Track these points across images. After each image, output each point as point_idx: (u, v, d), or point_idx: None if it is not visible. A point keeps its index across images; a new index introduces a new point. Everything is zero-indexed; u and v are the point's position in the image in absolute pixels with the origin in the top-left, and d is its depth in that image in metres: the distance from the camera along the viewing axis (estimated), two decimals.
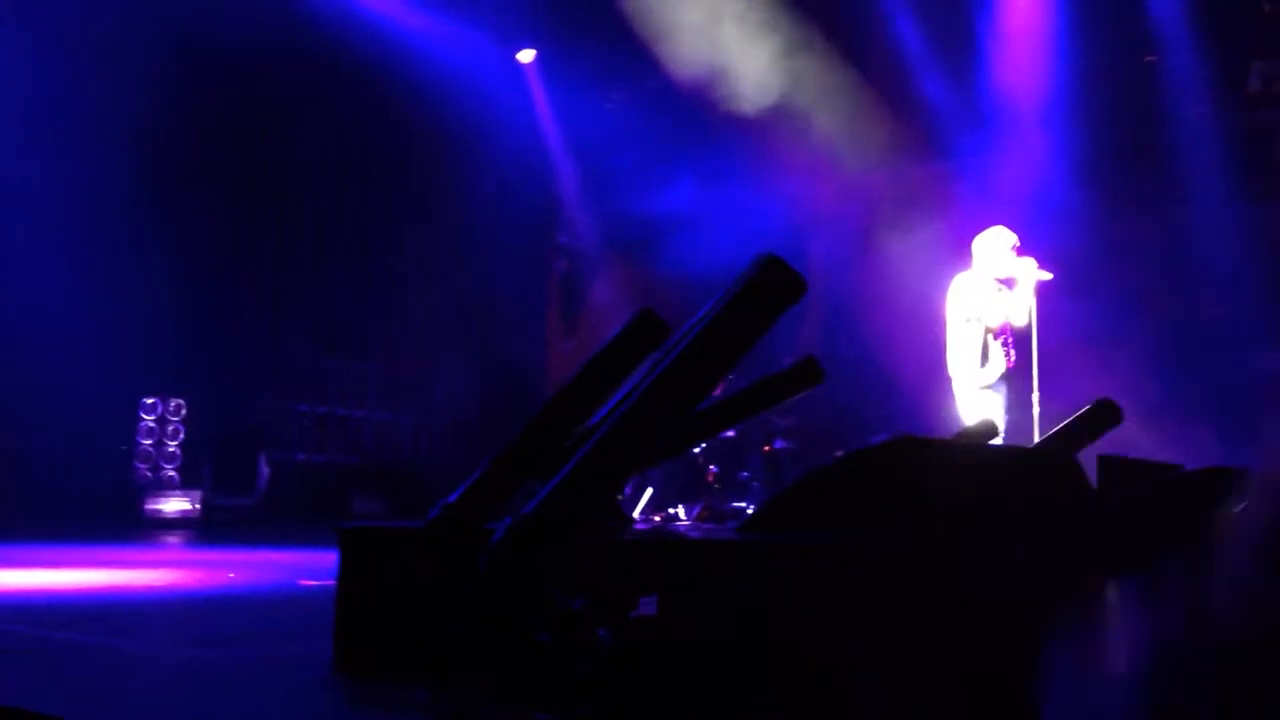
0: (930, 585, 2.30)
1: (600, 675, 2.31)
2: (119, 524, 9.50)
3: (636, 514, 9.40)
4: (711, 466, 10.13)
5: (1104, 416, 3.64)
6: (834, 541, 2.40)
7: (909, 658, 2.31)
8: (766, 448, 10.45)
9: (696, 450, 9.99)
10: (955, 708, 2.28)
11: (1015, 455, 3.56)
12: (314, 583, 4.97)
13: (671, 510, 9.89)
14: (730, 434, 10.17)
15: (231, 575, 5.65)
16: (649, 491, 9.82)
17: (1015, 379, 7.20)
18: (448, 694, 2.37)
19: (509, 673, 2.35)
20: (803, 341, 10.83)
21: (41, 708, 2.24)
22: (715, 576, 2.38)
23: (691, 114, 11.31)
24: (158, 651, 3.34)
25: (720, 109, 10.90)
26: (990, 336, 7.18)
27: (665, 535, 2.91)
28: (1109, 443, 3.84)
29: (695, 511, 9.70)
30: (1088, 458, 3.62)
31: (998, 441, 5.12)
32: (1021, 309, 7.15)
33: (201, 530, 9.82)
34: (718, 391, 6.77)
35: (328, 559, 3.08)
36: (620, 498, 9.76)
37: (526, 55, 12.73)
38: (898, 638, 2.30)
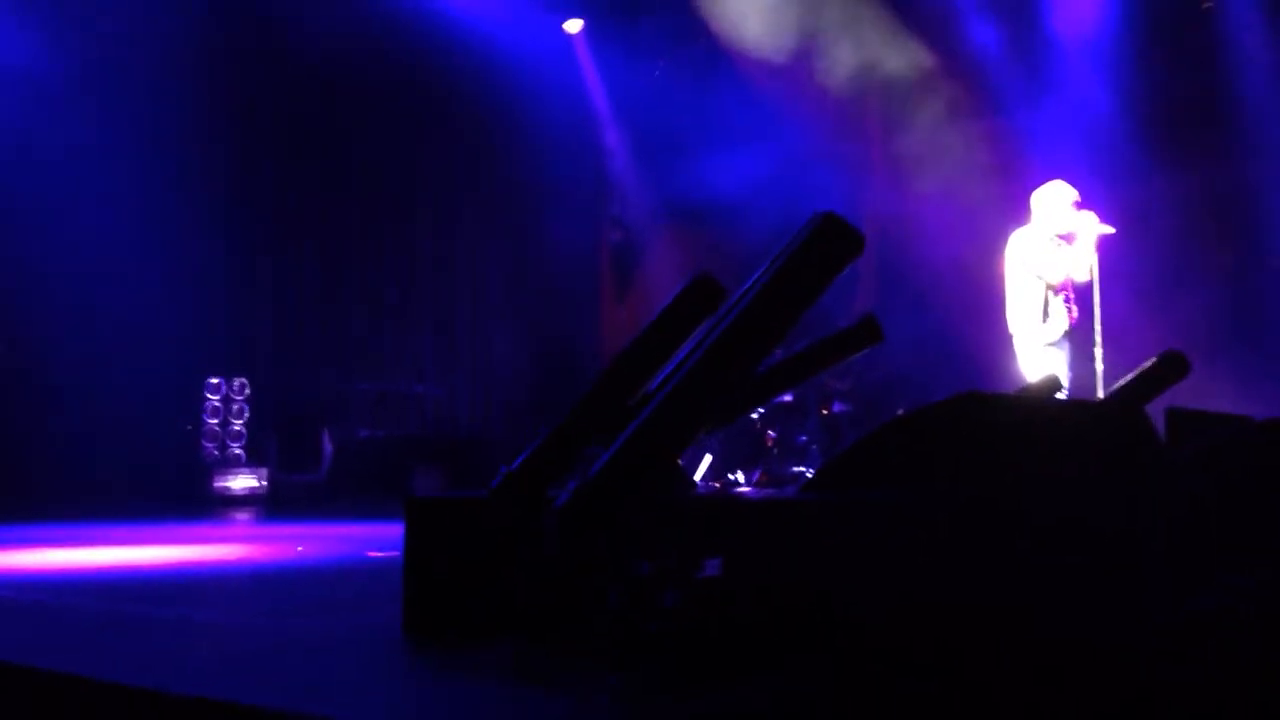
0: (994, 541, 2.28)
1: (668, 637, 2.32)
2: (188, 502, 9.71)
3: (697, 479, 9.40)
4: (770, 431, 10.10)
5: (1171, 368, 3.57)
6: (898, 499, 2.38)
7: (973, 615, 2.29)
8: (824, 411, 10.39)
9: (754, 416, 9.97)
10: (1015, 664, 2.26)
11: (1081, 409, 3.51)
12: (381, 554, 5.04)
13: (730, 476, 9.88)
14: (788, 398, 10.12)
15: (300, 548, 5.75)
16: (708, 458, 9.82)
17: (1078, 335, 7.10)
18: (518, 657, 2.39)
19: (577, 636, 2.37)
20: (859, 304, 10.74)
21: (118, 677, 2.29)
22: (780, 537, 2.38)
23: (742, 79, 11.22)
24: (231, 621, 3.40)
25: (771, 73, 10.80)
26: (1052, 293, 7.08)
27: (730, 497, 2.90)
28: (1178, 396, 3.77)
29: (754, 477, 9.69)
30: (1156, 411, 3.57)
31: (1062, 397, 5.06)
32: (1083, 264, 7.04)
33: (269, 507, 10.00)
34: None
35: (393, 531, 3.12)
36: (689, 475, 9.79)
37: (574, 25, 12.68)
38: (962, 594, 2.28)
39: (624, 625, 2.29)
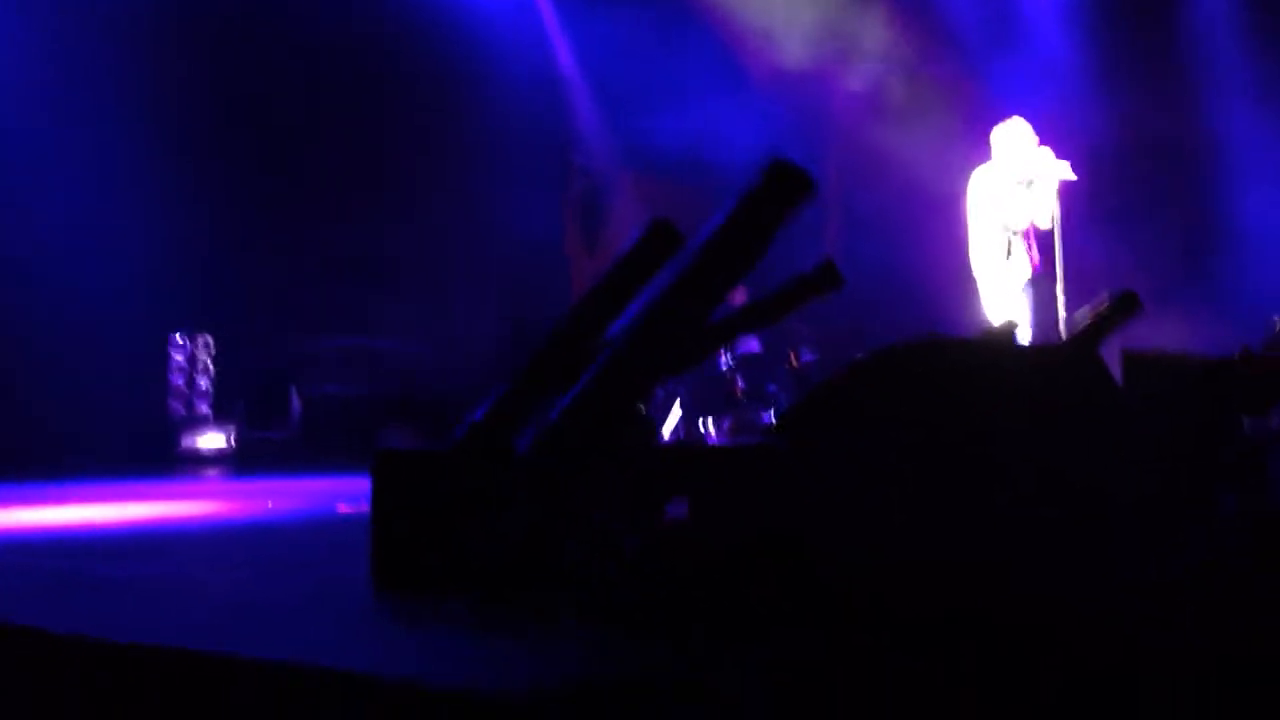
0: (949, 483, 2.32)
1: (630, 583, 2.36)
2: (155, 460, 9.67)
3: (666, 430, 9.46)
4: (739, 381, 10.15)
5: (1125, 308, 3.61)
6: (855, 443, 2.42)
7: (932, 555, 2.34)
8: (793, 360, 10.44)
9: (724, 365, 10.01)
10: (975, 604, 2.32)
11: (1037, 353, 3.55)
12: (350, 508, 5.06)
13: (700, 426, 9.94)
14: (756, 347, 10.17)
15: (270, 504, 5.76)
16: (677, 408, 9.87)
17: (1041, 281, 7.15)
18: (483, 605, 2.43)
19: (541, 584, 2.41)
20: (827, 249, 10.77)
21: (92, 632, 2.31)
22: (739, 481, 2.42)
23: (704, 25, 11.16)
24: (203, 576, 3.42)
25: (731, 19, 10.74)
26: (1014, 236, 7.12)
27: (690, 444, 2.94)
28: (1138, 334, 3.82)
29: (724, 426, 9.75)
30: (1113, 350, 3.62)
31: (1021, 341, 5.13)
32: (1044, 208, 7.07)
33: (237, 464, 9.98)
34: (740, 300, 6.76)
35: (362, 486, 3.14)
36: (647, 412, 9.83)
37: None
38: (920, 535, 2.33)
39: (586, 572, 2.33)
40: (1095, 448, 2.61)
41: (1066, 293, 7.00)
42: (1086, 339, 3.47)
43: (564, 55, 12.89)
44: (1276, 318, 3.46)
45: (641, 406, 3.74)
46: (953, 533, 2.29)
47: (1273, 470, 2.85)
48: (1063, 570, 2.27)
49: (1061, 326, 6.89)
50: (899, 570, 2.32)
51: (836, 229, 11.98)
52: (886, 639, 2.12)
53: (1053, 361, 3.12)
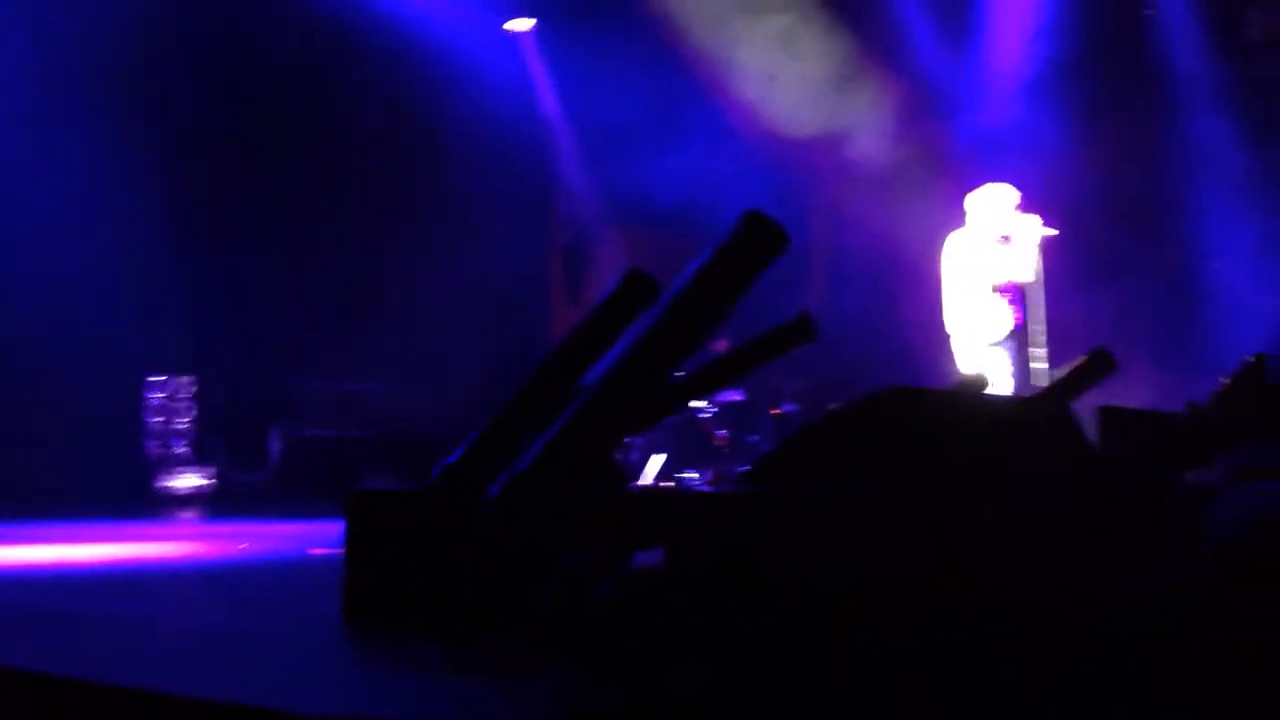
0: (919, 529, 2.34)
1: (602, 627, 2.37)
2: (131, 501, 9.59)
3: (647, 478, 9.46)
4: (720, 431, 10.18)
5: (1099, 365, 3.67)
6: (827, 488, 2.44)
7: (902, 597, 2.36)
8: (774, 411, 10.49)
9: (706, 415, 10.05)
10: (941, 642, 2.33)
11: (1009, 405, 3.59)
12: (324, 550, 5.03)
13: (681, 476, 9.95)
14: (738, 398, 10.22)
15: (244, 546, 5.73)
16: (660, 458, 9.88)
17: (1021, 335, 7.22)
18: (453, 647, 2.43)
19: (514, 626, 2.41)
20: (810, 303, 10.85)
21: (61, 670, 2.30)
22: (710, 528, 2.43)
23: (692, 79, 11.30)
24: (172, 617, 3.40)
25: (718, 73, 10.89)
26: (995, 294, 7.20)
27: (662, 490, 2.96)
28: (1120, 397, 3.87)
29: (706, 477, 9.76)
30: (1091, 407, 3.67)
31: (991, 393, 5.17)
32: (1026, 265, 7.15)
33: (215, 506, 9.91)
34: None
35: (338, 529, 3.14)
36: (629, 463, 9.83)
37: (523, 24, 12.69)
38: (890, 578, 2.35)
39: (558, 615, 2.33)
40: (1063, 498, 2.63)
41: (1049, 347, 7.06)
42: (1059, 393, 3.52)
43: (550, 104, 13.02)
44: (1222, 378, 3.53)
45: (616, 455, 3.75)
46: (921, 576, 2.30)
47: (1212, 521, 2.89)
48: (1026, 612, 2.29)
49: (1045, 381, 6.95)
50: (871, 612, 2.34)
51: (820, 284, 12.09)
52: (858, 677, 2.13)
53: (1024, 413, 3.16)
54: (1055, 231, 7.16)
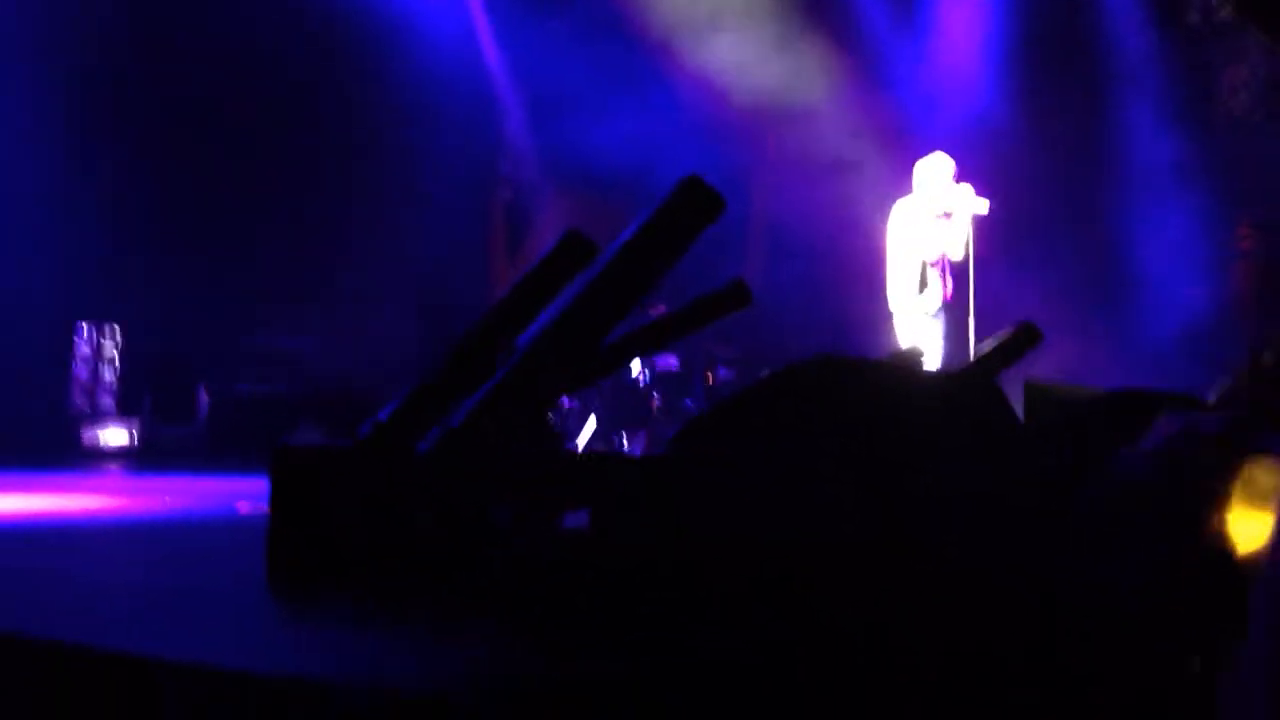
0: (841, 496, 2.38)
1: (524, 583, 2.38)
2: (55, 454, 9.42)
3: (581, 443, 9.48)
4: (655, 396, 10.22)
5: (1025, 339, 3.74)
6: (756, 455, 2.47)
7: (823, 565, 2.39)
8: (709, 377, 10.55)
9: (640, 381, 10.07)
10: (862, 610, 2.37)
11: (936, 378, 3.65)
12: (251, 507, 4.99)
13: (615, 440, 9.98)
14: (673, 364, 10.25)
15: (168, 499, 5.66)
16: (592, 422, 9.90)
17: (953, 309, 7.33)
18: (379, 604, 2.43)
19: (438, 582, 2.41)
20: (749, 271, 10.89)
21: None
22: (637, 490, 2.45)
23: (635, 43, 11.24)
24: (92, 571, 3.35)
25: (665, 38, 10.84)
26: (928, 266, 7.29)
27: (592, 452, 2.97)
28: (1047, 370, 3.95)
29: (639, 441, 9.80)
30: (1017, 380, 3.74)
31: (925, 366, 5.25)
32: (958, 240, 7.26)
33: (140, 460, 9.76)
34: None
35: (266, 486, 3.11)
36: (564, 427, 9.84)
37: None
38: (812, 546, 2.38)
39: (485, 574, 2.34)
40: (985, 470, 2.68)
41: (976, 322, 7.17)
42: (985, 366, 3.58)
43: (494, 64, 12.88)
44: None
45: (549, 417, 3.75)
46: (842, 545, 2.34)
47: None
48: (945, 585, 2.33)
49: (971, 354, 7.06)
50: (791, 578, 2.37)
51: (760, 253, 12.13)
52: (779, 643, 2.16)
53: (950, 386, 3.21)
54: (986, 208, 7.25)
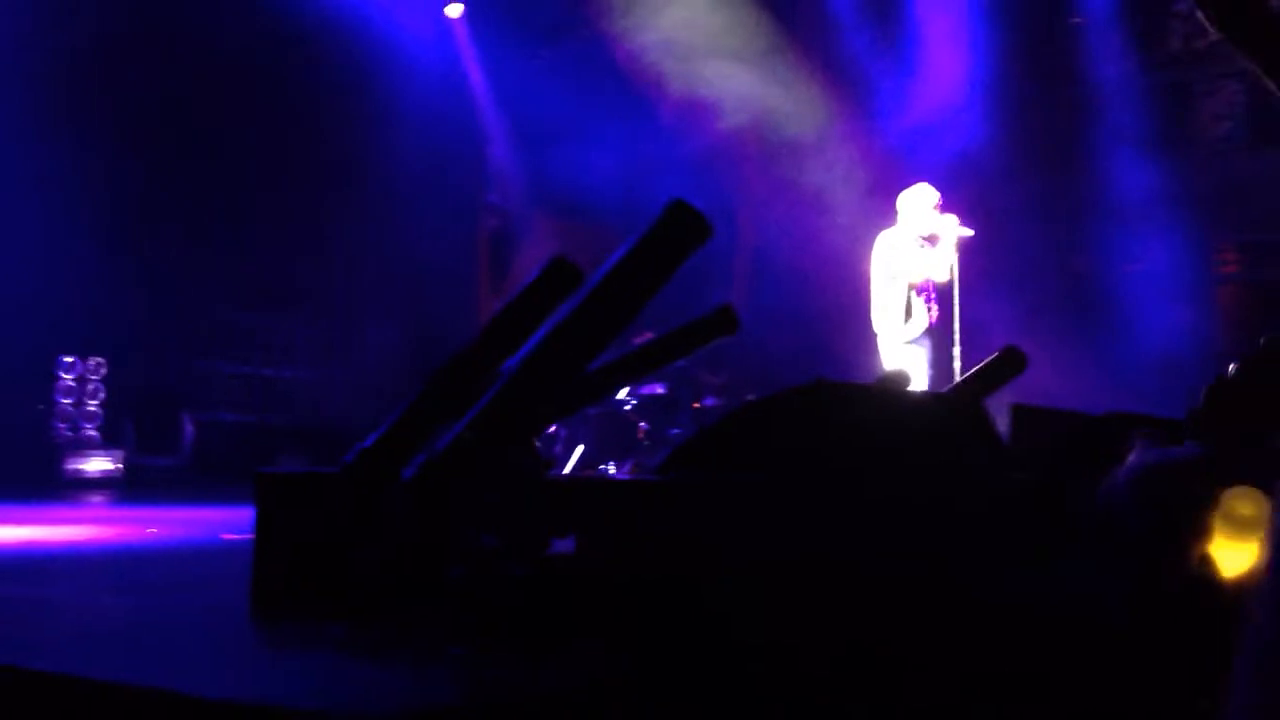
0: (828, 521, 2.38)
1: (512, 611, 2.36)
2: (38, 484, 9.36)
3: (567, 470, 9.45)
4: (642, 424, 10.21)
5: (1009, 363, 3.75)
6: (738, 480, 2.46)
7: (812, 595, 2.39)
8: (696, 405, 10.54)
9: (627, 408, 10.07)
10: (850, 638, 2.36)
11: (921, 401, 3.66)
12: (236, 536, 4.96)
13: (602, 468, 9.96)
14: (660, 391, 10.25)
15: (153, 530, 5.62)
16: (580, 449, 9.88)
17: (938, 334, 7.36)
18: (365, 630, 2.41)
19: (423, 609, 2.39)
20: (735, 298, 10.91)
21: None
22: (625, 515, 2.44)
23: (621, 72, 11.31)
24: (78, 599, 3.33)
25: (648, 66, 10.91)
26: (914, 292, 7.33)
27: (578, 477, 2.96)
28: (1030, 391, 3.96)
29: (626, 468, 9.78)
30: (1003, 406, 3.75)
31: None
32: (943, 265, 7.31)
33: (125, 490, 9.70)
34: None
35: (251, 515, 3.09)
36: (551, 455, 9.81)
37: (454, 9, 12.59)
38: (802, 573, 2.38)
39: (468, 599, 2.32)
40: (972, 492, 2.69)
41: (962, 347, 7.20)
42: (970, 389, 3.59)
43: (480, 92, 12.94)
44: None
45: (536, 445, 3.75)
46: (829, 571, 2.34)
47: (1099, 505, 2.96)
48: (930, 612, 2.33)
49: (957, 378, 7.08)
50: (780, 606, 2.36)
51: (745, 280, 12.18)
52: (763, 672, 2.15)
53: (936, 408, 3.21)
54: (971, 232, 7.30)
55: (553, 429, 9.87)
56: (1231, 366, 2.94)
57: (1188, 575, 2.54)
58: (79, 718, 2.06)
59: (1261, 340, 3.02)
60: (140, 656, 2.39)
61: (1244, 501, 2.45)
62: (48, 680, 2.11)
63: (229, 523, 5.81)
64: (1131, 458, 2.73)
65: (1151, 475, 2.73)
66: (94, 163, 10.47)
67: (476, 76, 12.83)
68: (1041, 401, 4.02)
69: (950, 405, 3.65)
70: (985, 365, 3.78)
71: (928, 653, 2.26)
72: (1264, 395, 2.82)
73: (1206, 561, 2.54)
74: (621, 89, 11.45)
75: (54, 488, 9.52)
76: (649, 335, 8.27)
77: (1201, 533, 2.52)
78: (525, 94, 12.16)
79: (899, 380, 4.36)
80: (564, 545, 2.60)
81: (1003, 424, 3.62)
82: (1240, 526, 2.44)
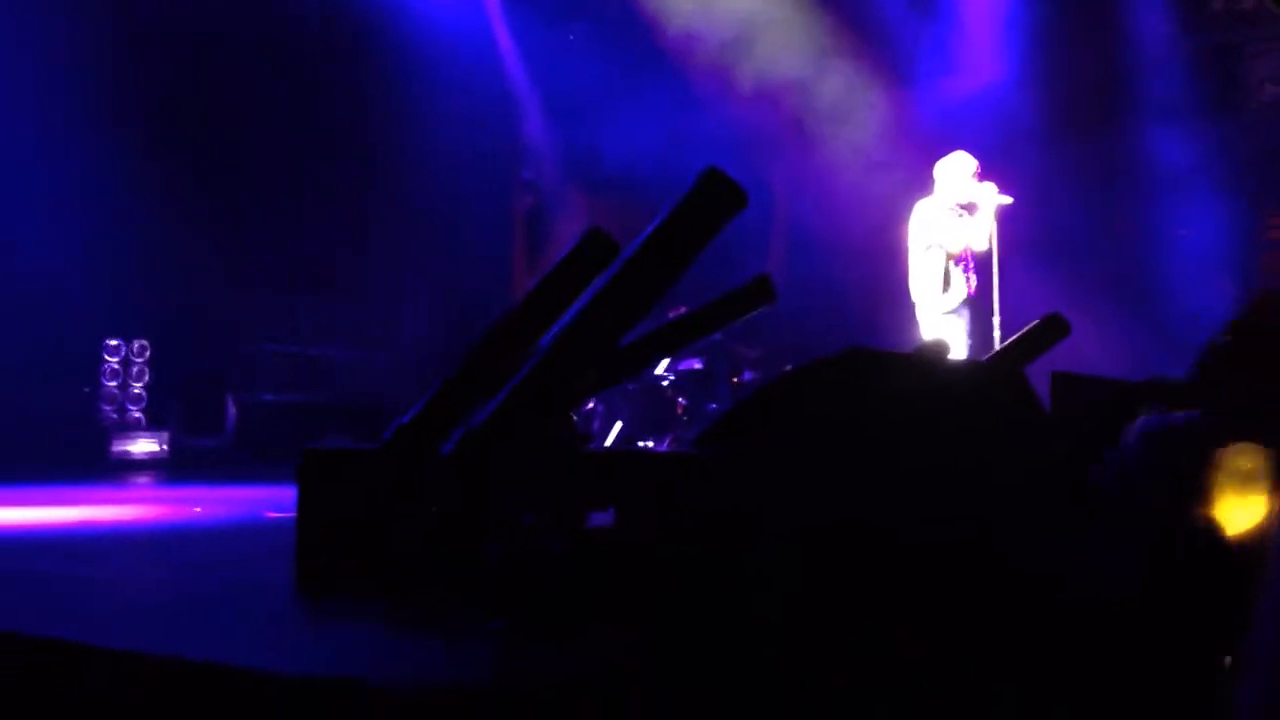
0: (868, 491, 2.36)
1: (551, 585, 2.37)
2: (86, 466, 9.51)
3: (606, 445, 9.47)
4: (680, 399, 10.20)
5: (1052, 330, 3.70)
6: (776, 450, 2.45)
7: (851, 563, 2.37)
8: (735, 379, 10.52)
9: (665, 384, 10.06)
10: (900, 611, 2.35)
11: (962, 368, 3.62)
12: (279, 514, 5.02)
13: (641, 444, 9.96)
14: (698, 366, 10.24)
15: (198, 509, 5.69)
16: (618, 425, 9.89)
17: (977, 304, 7.28)
18: (405, 605, 2.43)
19: (462, 583, 2.41)
20: (771, 270, 10.85)
21: (11, 626, 2.28)
22: (664, 487, 2.44)
23: (657, 45, 11.24)
24: (124, 577, 3.38)
25: (682, 38, 10.84)
26: (951, 262, 7.25)
27: (617, 450, 2.97)
28: (1070, 363, 3.91)
29: (664, 444, 9.78)
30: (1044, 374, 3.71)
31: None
32: (982, 234, 7.21)
33: (170, 471, 9.84)
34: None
35: (293, 494, 3.12)
36: (589, 431, 9.82)
37: None
38: (841, 543, 2.37)
39: (507, 573, 2.33)
40: (1013, 460, 2.66)
41: (1002, 317, 7.13)
42: (1012, 357, 3.55)
43: (515, 69, 12.90)
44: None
45: (574, 419, 3.75)
46: (867, 541, 2.32)
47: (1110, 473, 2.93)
48: (969, 580, 2.31)
49: (996, 346, 7.01)
50: (818, 580, 2.35)
51: (781, 252, 12.11)
52: (801, 645, 2.14)
53: (976, 376, 3.18)
54: (1010, 200, 7.21)
55: (590, 405, 9.89)
56: (1222, 333, 2.91)
57: (1199, 538, 2.52)
58: (130, 690, 2.10)
59: (1245, 298, 2.99)
60: (187, 630, 2.43)
61: (1245, 457, 2.43)
62: (98, 654, 2.14)
63: (272, 501, 5.88)
64: (1135, 426, 2.70)
65: (1154, 441, 2.71)
66: (137, 153, 10.58)
67: (510, 52, 12.79)
68: (1085, 370, 3.96)
69: (990, 372, 3.61)
70: (1027, 332, 3.74)
71: (962, 621, 2.24)
72: (1255, 352, 2.79)
73: (1215, 523, 2.53)
74: (655, 63, 11.38)
75: (101, 469, 9.67)
76: (683, 309, 8.26)
77: (1207, 495, 2.51)
78: (558, 69, 12.12)
79: (938, 350, 4.32)
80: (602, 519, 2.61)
81: (1044, 392, 3.58)
82: (1244, 482, 2.42)
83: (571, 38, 12.32)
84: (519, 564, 2.32)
